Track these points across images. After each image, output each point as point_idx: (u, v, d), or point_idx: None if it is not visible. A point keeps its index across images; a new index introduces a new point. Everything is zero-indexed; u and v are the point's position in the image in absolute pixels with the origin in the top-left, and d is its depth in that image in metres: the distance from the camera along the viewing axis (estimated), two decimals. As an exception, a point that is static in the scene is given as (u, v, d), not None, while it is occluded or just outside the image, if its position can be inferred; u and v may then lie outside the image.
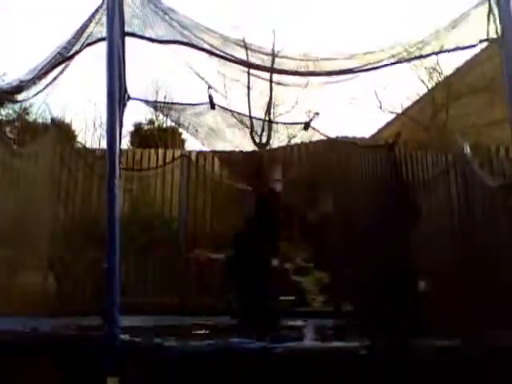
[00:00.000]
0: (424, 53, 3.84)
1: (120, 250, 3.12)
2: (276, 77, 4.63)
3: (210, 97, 4.67)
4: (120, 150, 4.17)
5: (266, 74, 4.60)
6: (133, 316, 4.10)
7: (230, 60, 3.84)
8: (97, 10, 3.52)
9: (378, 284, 4.27)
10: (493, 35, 3.54)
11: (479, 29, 3.57)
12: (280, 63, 4.23)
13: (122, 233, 3.21)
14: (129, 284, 6.31)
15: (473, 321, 3.84)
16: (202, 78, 4.23)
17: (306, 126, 5.13)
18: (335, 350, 3.34)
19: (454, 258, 5.44)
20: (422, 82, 10.13)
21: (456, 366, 3.21)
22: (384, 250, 4.27)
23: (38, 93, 3.97)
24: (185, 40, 3.47)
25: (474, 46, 3.65)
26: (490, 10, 3.52)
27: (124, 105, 4.53)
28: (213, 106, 4.77)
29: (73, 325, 3.91)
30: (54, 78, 3.86)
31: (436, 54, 4.04)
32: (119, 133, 3.60)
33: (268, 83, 7.97)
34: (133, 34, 3.51)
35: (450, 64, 9.25)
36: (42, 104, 7.24)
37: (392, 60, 3.79)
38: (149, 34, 3.47)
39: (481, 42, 3.60)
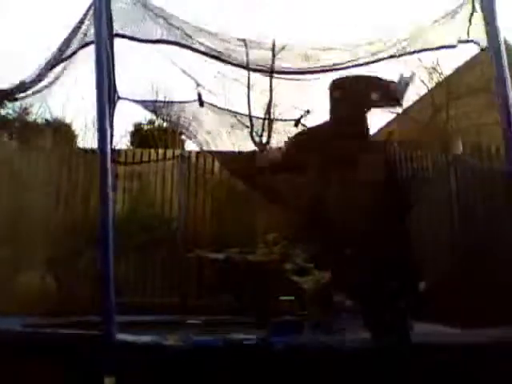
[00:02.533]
0: (408, 50, 3.86)
1: (114, 249, 3.12)
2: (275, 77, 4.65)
3: (199, 95, 4.72)
4: (112, 149, 4.21)
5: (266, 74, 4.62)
6: (132, 316, 4.11)
7: (226, 61, 3.86)
8: (87, 12, 3.54)
9: (376, 285, 4.25)
10: (475, 35, 3.55)
11: (464, 29, 3.58)
12: (281, 60, 4.25)
13: (121, 232, 3.22)
14: (128, 284, 6.33)
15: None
16: (189, 75, 4.26)
17: (297, 122, 5.16)
18: (336, 346, 3.34)
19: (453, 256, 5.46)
20: (422, 82, 10.12)
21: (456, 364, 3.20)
22: (380, 249, 4.27)
23: (35, 92, 3.99)
24: (176, 40, 3.49)
25: (453, 46, 3.66)
26: (473, 10, 3.53)
27: (114, 106, 4.61)
28: (201, 103, 4.82)
29: (71, 324, 3.91)
30: (49, 83, 3.89)
31: (418, 52, 4.05)
32: (110, 133, 3.62)
33: (268, 83, 7.94)
34: (122, 35, 3.55)
35: (449, 64, 9.26)
36: (42, 104, 7.26)
37: (384, 55, 3.82)
38: (138, 34, 3.50)
39: (460, 42, 3.60)
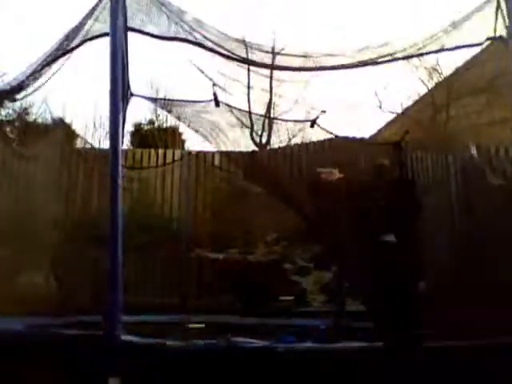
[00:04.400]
0: (430, 50, 3.84)
1: (122, 249, 3.11)
2: (276, 76, 4.63)
3: (215, 94, 4.64)
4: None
5: (268, 72, 4.60)
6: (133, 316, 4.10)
7: (234, 58, 3.82)
8: (96, 5, 3.48)
9: (380, 284, 4.25)
10: (501, 33, 3.53)
11: (488, 26, 3.57)
12: (281, 61, 4.24)
13: (123, 233, 3.21)
14: (129, 283, 6.30)
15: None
16: (206, 75, 4.22)
17: (313, 123, 5.14)
18: (338, 350, 3.34)
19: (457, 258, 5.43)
20: (422, 82, 10.14)
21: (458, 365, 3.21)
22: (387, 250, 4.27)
23: (36, 89, 3.93)
24: (188, 38, 3.44)
25: (480, 44, 3.65)
26: (498, 7, 3.51)
27: (127, 102, 4.48)
28: (217, 103, 4.73)
29: (74, 324, 3.90)
30: (52, 74, 3.84)
31: (441, 51, 4.02)
32: (122, 130, 3.57)
33: (268, 83, 7.93)
34: (136, 30, 3.45)
35: (450, 64, 9.26)
36: (42, 104, 7.24)
37: (399, 55, 3.80)
38: (152, 30, 3.43)
39: (488, 39, 3.59)
